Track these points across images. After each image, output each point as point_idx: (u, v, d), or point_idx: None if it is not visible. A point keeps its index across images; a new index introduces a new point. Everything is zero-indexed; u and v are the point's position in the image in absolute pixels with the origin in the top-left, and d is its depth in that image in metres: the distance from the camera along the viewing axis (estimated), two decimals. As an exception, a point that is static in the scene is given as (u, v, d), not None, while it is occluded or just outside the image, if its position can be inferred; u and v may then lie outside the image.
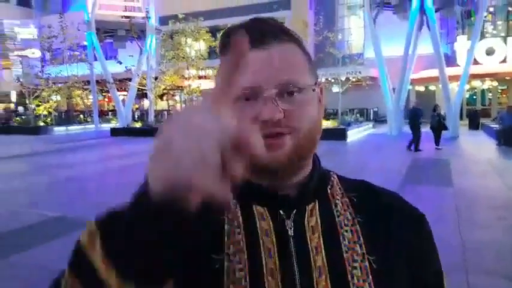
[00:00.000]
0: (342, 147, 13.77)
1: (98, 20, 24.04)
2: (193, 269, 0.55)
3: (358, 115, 20.71)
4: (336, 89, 22.00)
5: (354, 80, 20.23)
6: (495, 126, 13.60)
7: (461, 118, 17.97)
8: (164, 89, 22.35)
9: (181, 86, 23.95)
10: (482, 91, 22.89)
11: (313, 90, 0.61)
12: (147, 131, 19.46)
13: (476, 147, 12.68)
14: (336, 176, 0.69)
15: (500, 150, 11.50)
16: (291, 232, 0.60)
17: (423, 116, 11.99)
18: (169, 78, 21.46)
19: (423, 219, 0.69)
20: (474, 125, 17.65)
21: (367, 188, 0.69)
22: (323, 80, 23.74)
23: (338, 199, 0.65)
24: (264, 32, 0.59)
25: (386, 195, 0.69)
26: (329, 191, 0.66)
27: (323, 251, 0.59)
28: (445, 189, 6.94)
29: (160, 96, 26.04)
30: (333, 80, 22.09)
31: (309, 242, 0.60)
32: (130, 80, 22.75)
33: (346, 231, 0.62)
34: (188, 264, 0.53)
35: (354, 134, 16.26)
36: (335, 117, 17.27)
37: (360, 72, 22.81)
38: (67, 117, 28.54)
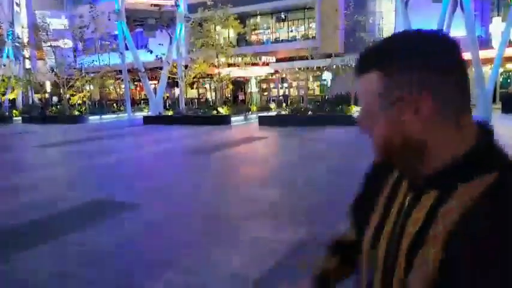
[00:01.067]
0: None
1: (128, 9, 24.55)
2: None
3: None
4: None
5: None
6: None
7: (494, 101, 17.57)
8: (194, 77, 22.73)
9: (211, 74, 24.31)
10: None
11: (390, 107, 0.69)
12: (178, 119, 20.01)
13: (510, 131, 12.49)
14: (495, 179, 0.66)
15: None
16: (404, 207, 0.74)
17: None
18: (199, 66, 21.83)
19: None
20: (507, 108, 17.25)
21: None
22: (352, 65, 23.61)
23: (457, 201, 0.66)
24: (356, 68, 0.74)
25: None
26: (459, 188, 0.67)
27: (412, 235, 0.70)
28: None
29: (191, 85, 26.51)
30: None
31: (408, 223, 0.72)
32: (161, 68, 23.25)
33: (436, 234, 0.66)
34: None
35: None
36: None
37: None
38: (100, 106, 29.51)
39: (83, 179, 7.94)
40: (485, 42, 19.76)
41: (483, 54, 17.37)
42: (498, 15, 21.66)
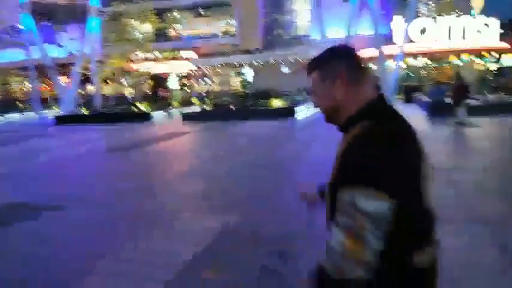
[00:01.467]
0: (294, 124, 14.50)
1: (34, 1, 22.62)
2: None
3: (306, 94, 21.56)
4: (285, 69, 22.76)
5: (301, 61, 20.95)
6: (426, 99, 14.96)
7: (399, 93, 19.41)
8: (112, 73, 21.72)
9: (129, 70, 23.44)
10: (418, 68, 24.68)
11: (325, 81, 1.25)
12: (95, 117, 18.98)
13: (408, 116, 13.97)
14: (365, 125, 1.15)
15: (429, 119, 12.84)
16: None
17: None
18: (115, 61, 20.92)
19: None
20: (409, 99, 19.23)
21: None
22: (272, 61, 24.44)
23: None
24: (307, 69, 1.30)
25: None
26: (349, 131, 1.20)
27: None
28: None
29: (106, 81, 25.27)
30: (281, 62, 22.80)
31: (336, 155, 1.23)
32: (73, 64, 21.86)
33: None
34: None
35: (302, 112, 17.06)
36: (286, 97, 17.90)
37: (306, 54, 23.61)
38: (4, 105, 26.79)
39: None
40: (390, 39, 21.63)
41: (387, 50, 19.08)
42: (399, 14, 23.84)
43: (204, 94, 29.97)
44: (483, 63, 22.51)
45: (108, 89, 32.08)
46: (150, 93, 29.45)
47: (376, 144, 1.09)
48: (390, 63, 19.48)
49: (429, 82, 23.69)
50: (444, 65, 22.71)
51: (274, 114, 16.00)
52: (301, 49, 24.32)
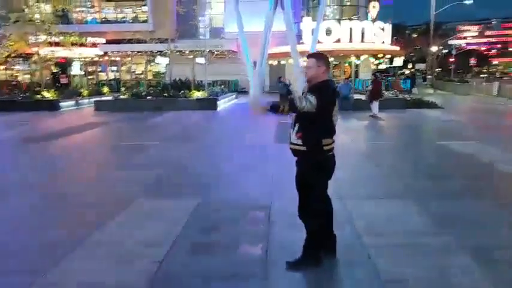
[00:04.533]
0: (218, 115, 14.93)
1: None
2: None
3: (222, 86, 22.09)
4: (201, 60, 22.89)
5: (216, 52, 21.34)
6: None
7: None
8: (8, 56, 19.64)
9: (29, 53, 21.41)
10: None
11: (318, 66, 3.05)
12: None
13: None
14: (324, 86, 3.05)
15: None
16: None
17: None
18: (14, 43, 18.98)
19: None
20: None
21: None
22: (187, 51, 24.37)
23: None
24: (308, 56, 3.14)
25: None
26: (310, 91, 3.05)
27: None
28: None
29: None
30: (197, 52, 22.86)
31: None
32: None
33: None
34: None
35: (222, 104, 17.58)
36: (203, 88, 18.17)
37: (221, 46, 24.09)
38: None
39: None
40: (298, 38, 23.12)
41: (299, 47, 20.33)
42: (308, 15, 25.58)
43: (113, 82, 28.68)
44: (377, 63, 25.37)
45: (1, 74, 28.83)
46: (49, 80, 27.12)
47: (318, 89, 2.94)
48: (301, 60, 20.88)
49: (333, 79, 26.04)
50: (345, 64, 25.05)
51: (195, 105, 16.22)
52: (217, 41, 24.73)
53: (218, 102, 16.69)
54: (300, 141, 2.96)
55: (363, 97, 16.33)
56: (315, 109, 2.81)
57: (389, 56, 25.09)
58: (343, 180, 5.32)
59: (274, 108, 3.00)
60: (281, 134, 10.04)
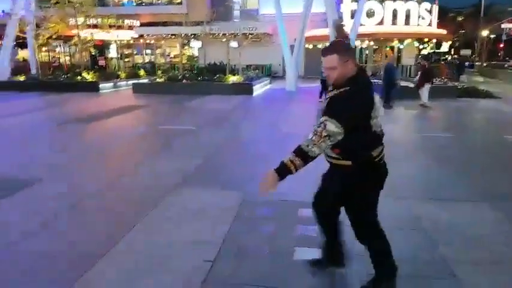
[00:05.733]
0: (254, 100, 14.53)
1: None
2: None
3: (256, 71, 21.58)
4: (234, 44, 22.44)
5: (250, 36, 20.77)
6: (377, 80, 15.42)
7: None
8: (49, 38, 19.90)
9: (68, 35, 21.65)
10: (360, 50, 25.71)
11: (345, 62, 2.22)
12: (34, 85, 17.50)
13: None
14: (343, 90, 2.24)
15: (384, 102, 13.17)
16: None
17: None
18: (54, 25, 19.17)
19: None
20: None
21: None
22: (221, 35, 23.95)
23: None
24: (324, 51, 2.27)
25: None
26: (336, 90, 2.30)
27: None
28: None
29: (41, 47, 23.12)
30: (231, 35, 22.41)
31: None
32: (4, 26, 19.69)
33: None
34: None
35: (257, 89, 17.14)
36: (238, 73, 17.77)
37: (256, 29, 23.46)
38: None
39: None
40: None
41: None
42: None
43: (147, 66, 28.74)
44: (422, 47, 24.04)
45: (43, 56, 29.54)
46: (88, 62, 27.58)
47: (342, 101, 2.20)
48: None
49: (372, 64, 24.93)
50: (386, 48, 23.89)
51: (230, 90, 15.87)
52: (252, 24, 24.14)
53: (253, 87, 16.26)
54: (340, 156, 2.30)
55: (408, 84, 15.43)
56: (343, 133, 2.11)
57: (434, 41, 23.67)
58: (400, 178, 4.82)
59: (284, 172, 2.20)
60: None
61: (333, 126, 2.09)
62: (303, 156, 2.15)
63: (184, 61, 29.31)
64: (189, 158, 6.16)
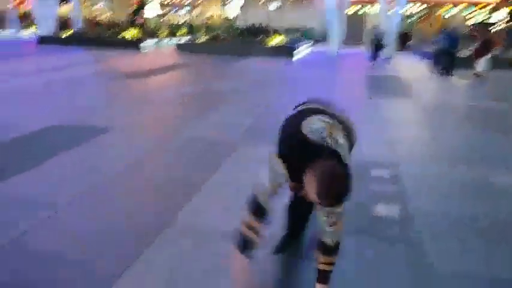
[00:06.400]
0: (297, 63, 14.32)
1: None
2: None
3: (297, 34, 21.08)
4: (275, 6, 21.93)
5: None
6: (428, 48, 14.78)
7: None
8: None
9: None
10: (407, 16, 24.51)
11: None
12: (80, 40, 17.89)
13: (410, 66, 14.18)
14: None
15: (437, 70, 12.55)
16: None
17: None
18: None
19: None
20: (403, 46, 19.14)
21: None
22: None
23: None
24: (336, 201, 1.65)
25: None
26: None
27: None
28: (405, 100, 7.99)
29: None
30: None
31: None
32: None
33: None
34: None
35: (299, 52, 16.82)
36: (279, 35, 17.43)
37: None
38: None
39: (15, 104, 6.81)
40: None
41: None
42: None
43: (187, 24, 28.56)
44: (475, 14, 22.67)
45: (85, 12, 29.91)
46: (128, 19, 27.65)
47: None
48: (390, 8, 19.15)
49: (420, 31, 23.77)
50: (437, 13, 22.67)
51: (272, 52, 15.66)
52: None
53: (295, 51, 15.96)
54: None
55: (462, 52, 14.67)
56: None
57: (490, 7, 22.21)
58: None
59: (247, 247, 1.80)
60: (376, 89, 9.35)
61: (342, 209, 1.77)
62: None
63: (223, 22, 28.96)
64: (240, 115, 6.23)
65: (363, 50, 16.45)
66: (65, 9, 28.27)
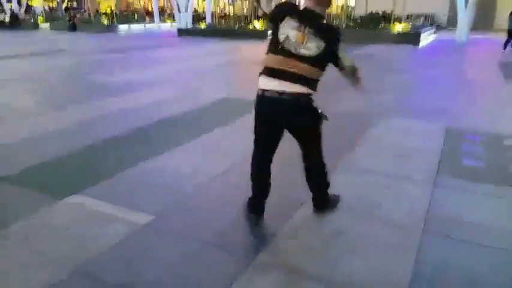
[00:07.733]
0: (424, 49, 14.28)
1: None
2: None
3: (421, 19, 20.56)
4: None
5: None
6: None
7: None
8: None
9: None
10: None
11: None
12: (213, 32, 20.04)
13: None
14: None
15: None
16: None
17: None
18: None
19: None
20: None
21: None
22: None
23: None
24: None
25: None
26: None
27: None
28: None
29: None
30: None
31: None
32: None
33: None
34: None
35: (424, 39, 16.58)
36: (403, 21, 17.29)
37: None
38: (122, 16, 28.92)
39: (189, 80, 8.53)
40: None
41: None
42: None
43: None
44: None
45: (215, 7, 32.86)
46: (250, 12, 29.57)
47: None
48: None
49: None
50: None
51: (396, 39, 15.74)
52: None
53: (421, 37, 15.80)
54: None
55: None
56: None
57: None
58: None
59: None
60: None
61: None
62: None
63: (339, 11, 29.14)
64: (381, 93, 6.99)
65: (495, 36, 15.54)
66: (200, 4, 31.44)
